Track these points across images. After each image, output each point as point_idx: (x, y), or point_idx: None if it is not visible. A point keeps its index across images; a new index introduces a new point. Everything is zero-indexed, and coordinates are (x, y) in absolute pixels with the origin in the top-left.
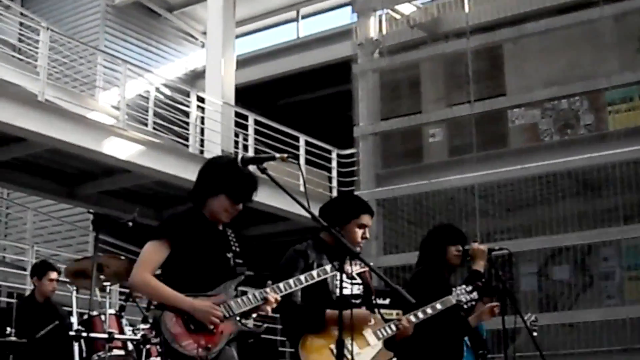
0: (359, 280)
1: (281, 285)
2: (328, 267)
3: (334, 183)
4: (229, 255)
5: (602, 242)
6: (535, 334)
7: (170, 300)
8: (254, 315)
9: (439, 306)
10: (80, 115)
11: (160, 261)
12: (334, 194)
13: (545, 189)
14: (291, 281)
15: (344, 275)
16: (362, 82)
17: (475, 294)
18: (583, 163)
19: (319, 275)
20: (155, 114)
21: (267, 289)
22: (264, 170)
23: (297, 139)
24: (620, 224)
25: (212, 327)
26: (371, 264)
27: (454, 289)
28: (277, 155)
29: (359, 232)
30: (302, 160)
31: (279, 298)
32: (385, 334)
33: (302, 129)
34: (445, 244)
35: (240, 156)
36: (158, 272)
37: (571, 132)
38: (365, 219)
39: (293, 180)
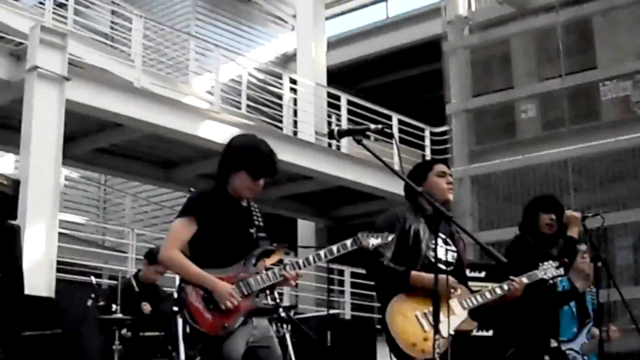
0: (453, 248)
1: (300, 261)
2: (348, 242)
3: None
4: (252, 230)
5: None
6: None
7: (193, 277)
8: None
9: (525, 280)
10: (175, 100)
11: (188, 237)
12: None
13: (639, 161)
14: (311, 257)
15: (439, 240)
16: (453, 59)
17: (561, 270)
18: None
19: (338, 251)
20: (249, 97)
21: (287, 266)
22: (359, 142)
23: (389, 118)
24: None
25: (225, 308)
26: (465, 229)
27: (540, 263)
28: (372, 126)
29: (441, 180)
30: (396, 139)
31: (300, 273)
32: (471, 304)
33: (394, 109)
34: (537, 211)
35: (335, 129)
36: None
37: None
38: (440, 167)
39: (386, 158)
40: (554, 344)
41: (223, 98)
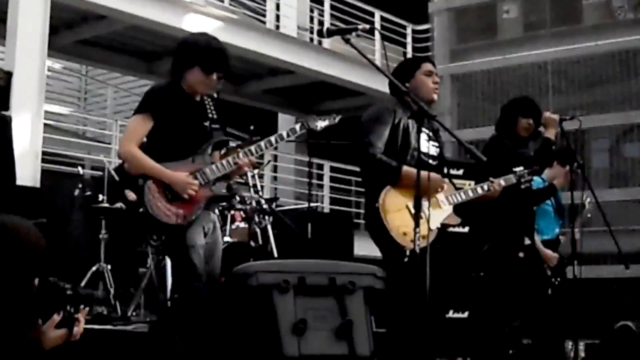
0: (437, 144)
1: (252, 148)
2: (297, 126)
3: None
4: (206, 123)
5: None
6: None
7: (150, 171)
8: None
9: (502, 183)
10: None
11: (144, 133)
12: None
13: (618, 66)
14: (262, 143)
15: (424, 135)
16: None
17: (530, 178)
18: None
19: (288, 135)
20: None
21: (240, 154)
22: (347, 41)
23: (372, 15)
24: None
25: (187, 197)
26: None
27: (514, 169)
28: (360, 26)
29: (428, 79)
30: (377, 36)
31: (252, 160)
32: (456, 199)
33: (377, 5)
34: (516, 115)
35: (325, 28)
36: None
37: None
38: (428, 66)
39: (369, 55)
40: (527, 241)
41: None
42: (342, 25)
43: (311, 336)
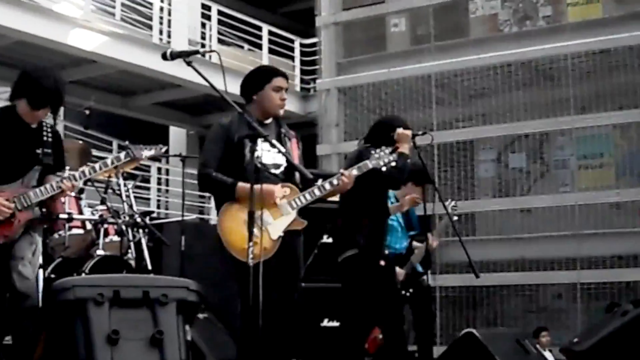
0: (282, 149)
1: (76, 174)
2: (122, 155)
3: (297, 72)
4: (39, 150)
5: (558, 130)
6: (456, 218)
7: None
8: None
9: (355, 172)
10: (46, 8)
11: None
12: (297, 82)
13: (501, 78)
14: (86, 169)
15: (267, 144)
16: None
17: (394, 155)
18: (539, 54)
19: (112, 163)
20: (123, 5)
21: (64, 180)
22: (189, 64)
23: (260, 29)
24: (573, 114)
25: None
26: (274, 142)
27: (372, 152)
28: (201, 50)
29: (276, 95)
30: (265, 50)
31: (75, 185)
32: (299, 203)
33: (269, 18)
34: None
35: (169, 51)
36: None
37: (530, 23)
38: (279, 81)
39: None
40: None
41: (98, 6)
42: (232, 40)
43: (124, 346)
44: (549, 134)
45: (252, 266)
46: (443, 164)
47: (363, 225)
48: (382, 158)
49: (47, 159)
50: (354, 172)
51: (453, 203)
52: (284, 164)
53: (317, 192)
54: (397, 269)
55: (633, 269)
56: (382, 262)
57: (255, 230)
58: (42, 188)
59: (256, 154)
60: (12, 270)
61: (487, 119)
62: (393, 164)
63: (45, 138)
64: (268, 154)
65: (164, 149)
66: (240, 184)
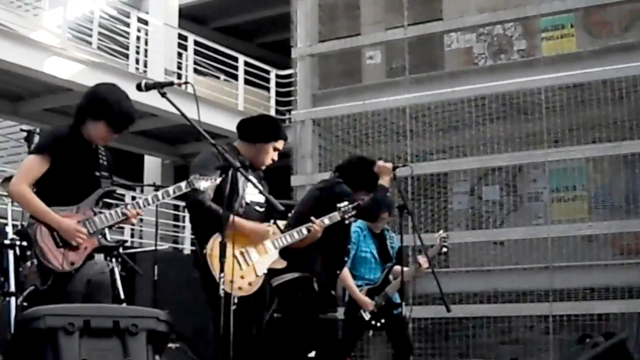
0: (263, 190)
1: (140, 201)
2: (183, 185)
3: (272, 103)
4: (97, 173)
5: (531, 163)
6: (445, 249)
7: (40, 214)
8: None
9: (327, 221)
10: (21, 35)
11: (39, 174)
12: (272, 113)
13: (475, 111)
14: (149, 197)
15: (251, 185)
16: (301, 3)
17: (354, 212)
18: (513, 87)
19: (174, 192)
20: (100, 34)
21: (128, 206)
22: (164, 95)
23: (236, 59)
24: (546, 147)
25: (75, 244)
26: (251, 179)
27: (337, 205)
28: (175, 81)
29: (272, 154)
30: (241, 80)
31: (140, 212)
32: (281, 243)
33: (245, 49)
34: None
35: (143, 82)
36: None
37: (504, 57)
38: (280, 144)
39: (232, 99)
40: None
41: (75, 34)
42: (208, 70)
43: None
44: (522, 166)
45: (238, 298)
46: (417, 195)
47: (317, 258)
48: (347, 212)
49: (106, 182)
50: (326, 221)
51: (444, 234)
52: (265, 204)
53: (296, 236)
54: (365, 298)
55: (605, 301)
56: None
57: (242, 264)
58: (107, 214)
59: (243, 192)
60: (72, 300)
61: (461, 152)
62: (352, 218)
63: (101, 161)
64: (254, 191)
65: (218, 180)
66: (237, 219)
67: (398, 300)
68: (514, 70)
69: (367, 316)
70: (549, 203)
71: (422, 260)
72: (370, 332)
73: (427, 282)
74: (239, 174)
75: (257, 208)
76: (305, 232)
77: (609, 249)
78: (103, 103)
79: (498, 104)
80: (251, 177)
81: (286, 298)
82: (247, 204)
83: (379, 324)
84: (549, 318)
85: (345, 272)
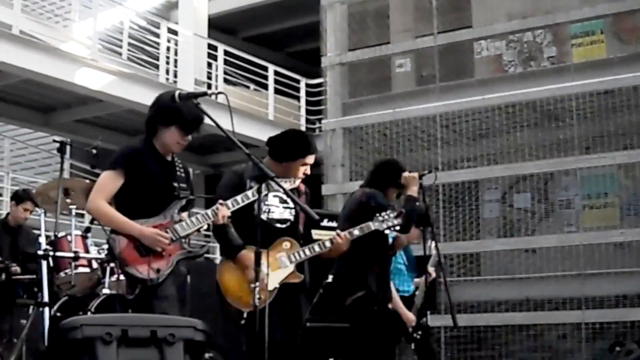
0: (291, 205)
1: (229, 202)
2: (250, 192)
3: (302, 112)
4: (175, 184)
5: (562, 170)
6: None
7: (120, 226)
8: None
9: (356, 232)
10: (52, 47)
11: (115, 190)
12: (302, 122)
13: (505, 119)
14: (229, 202)
15: (277, 199)
16: (330, 13)
17: (399, 220)
18: (543, 94)
19: (247, 198)
20: (130, 45)
21: (218, 206)
22: (197, 105)
23: (266, 69)
24: (577, 154)
25: (160, 250)
26: (286, 186)
27: (377, 214)
28: (209, 91)
29: (302, 169)
30: (271, 90)
31: (228, 214)
32: (297, 257)
33: (275, 58)
34: (388, 184)
35: (177, 93)
36: None
37: (534, 64)
38: (311, 159)
39: (262, 109)
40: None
41: (105, 46)
42: (238, 80)
43: None
44: (553, 173)
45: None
46: (448, 204)
47: (373, 270)
48: (386, 221)
49: (184, 193)
50: (356, 232)
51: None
52: (291, 219)
53: (317, 249)
54: (409, 313)
55: (638, 308)
56: (391, 306)
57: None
58: (187, 221)
59: (264, 208)
60: (156, 310)
61: (491, 159)
62: (397, 227)
63: (178, 172)
64: (276, 209)
65: (297, 182)
66: (244, 253)
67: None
68: (544, 77)
69: (409, 329)
70: (581, 210)
71: (431, 269)
72: (412, 345)
73: (459, 290)
74: (251, 182)
75: (278, 225)
76: (328, 244)
77: None
78: (171, 108)
79: (529, 111)
80: (285, 186)
81: (362, 315)
82: (263, 221)
83: (417, 336)
84: (581, 326)
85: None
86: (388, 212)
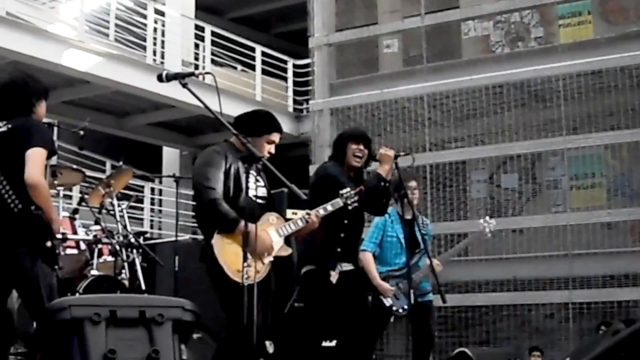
0: (262, 183)
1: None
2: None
3: (290, 92)
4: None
5: (550, 151)
6: (489, 235)
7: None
8: None
9: (329, 207)
10: (40, 29)
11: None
12: (290, 103)
13: (492, 99)
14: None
15: (252, 178)
16: None
17: (357, 198)
18: (531, 75)
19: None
20: (117, 26)
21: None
22: (185, 85)
23: (253, 50)
24: (565, 135)
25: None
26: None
27: (341, 191)
28: (196, 72)
29: (268, 147)
30: (258, 71)
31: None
32: (285, 231)
33: (262, 39)
34: (346, 142)
35: (164, 73)
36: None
37: (522, 44)
38: (275, 136)
39: (249, 89)
40: (345, 267)
41: (92, 27)
42: (225, 60)
43: None
44: (540, 154)
45: (246, 286)
46: (436, 183)
47: (317, 239)
48: (349, 198)
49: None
50: (321, 211)
51: (493, 222)
52: (266, 195)
53: (300, 223)
54: (385, 285)
55: (625, 288)
56: (333, 279)
57: (249, 255)
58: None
59: (246, 186)
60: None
61: (479, 140)
62: (355, 204)
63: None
64: (254, 185)
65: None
66: (243, 223)
67: (428, 288)
68: (531, 57)
69: (387, 302)
70: (568, 190)
71: (435, 263)
72: (392, 319)
73: (447, 270)
74: (239, 168)
75: (259, 201)
76: (300, 223)
77: (628, 236)
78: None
79: (516, 91)
80: (273, 168)
81: (308, 288)
82: (250, 197)
83: (400, 311)
84: (568, 305)
85: (367, 256)
86: (348, 190)
